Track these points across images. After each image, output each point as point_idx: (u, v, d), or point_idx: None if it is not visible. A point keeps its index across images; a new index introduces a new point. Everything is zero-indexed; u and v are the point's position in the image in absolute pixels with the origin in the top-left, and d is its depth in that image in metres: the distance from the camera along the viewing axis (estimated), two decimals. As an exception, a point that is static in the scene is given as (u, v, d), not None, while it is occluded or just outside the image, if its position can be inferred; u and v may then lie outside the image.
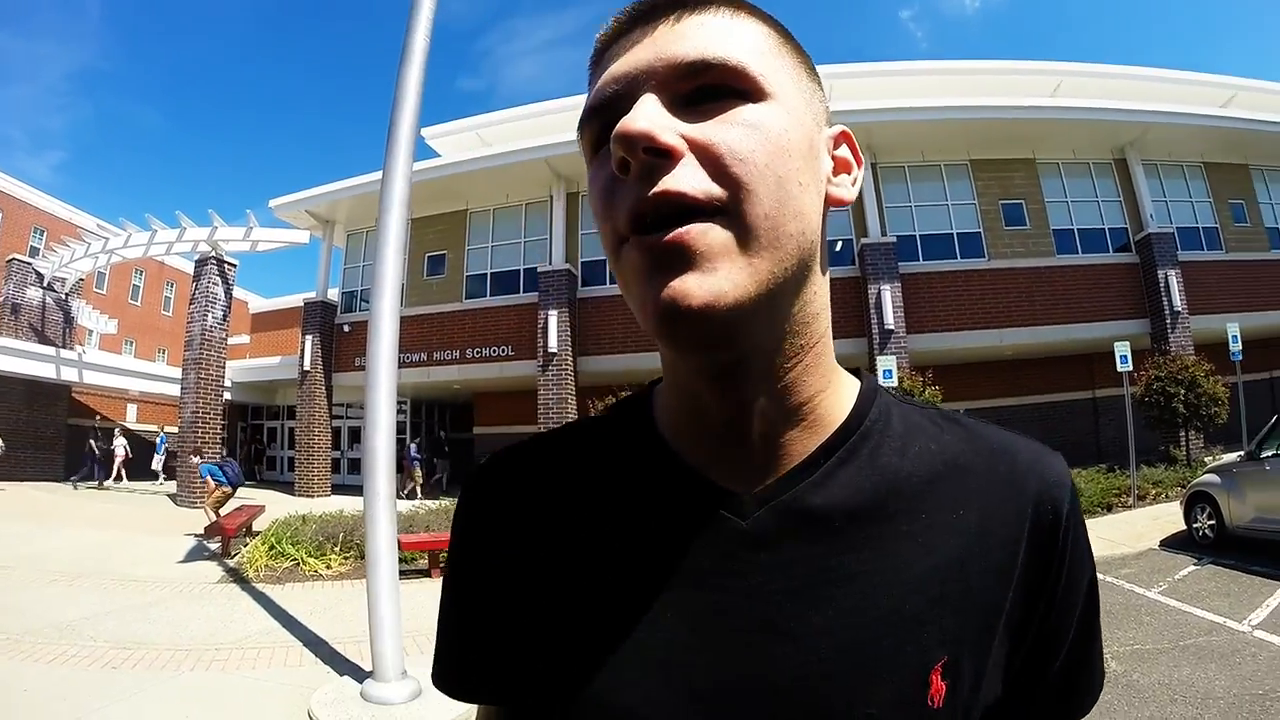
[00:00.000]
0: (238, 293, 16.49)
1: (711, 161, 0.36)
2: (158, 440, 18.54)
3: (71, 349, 17.40)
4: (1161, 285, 13.12)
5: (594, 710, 0.41)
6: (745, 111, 0.38)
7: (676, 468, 0.45)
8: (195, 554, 8.27)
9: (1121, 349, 10.26)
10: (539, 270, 13.26)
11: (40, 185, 31.79)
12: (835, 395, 0.45)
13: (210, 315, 14.09)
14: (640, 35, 0.40)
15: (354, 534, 7.59)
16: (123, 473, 17.04)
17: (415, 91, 4.11)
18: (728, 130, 0.37)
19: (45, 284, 17.59)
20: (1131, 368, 10.30)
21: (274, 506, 10.60)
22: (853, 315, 12.80)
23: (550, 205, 13.84)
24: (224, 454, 14.12)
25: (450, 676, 0.51)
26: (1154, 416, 11.45)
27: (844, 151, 0.46)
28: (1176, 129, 13.73)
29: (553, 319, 12.65)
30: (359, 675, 4.05)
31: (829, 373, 0.45)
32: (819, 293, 0.43)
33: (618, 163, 0.36)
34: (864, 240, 12.81)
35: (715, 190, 0.36)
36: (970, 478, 0.44)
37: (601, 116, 0.40)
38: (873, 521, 0.42)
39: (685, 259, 0.35)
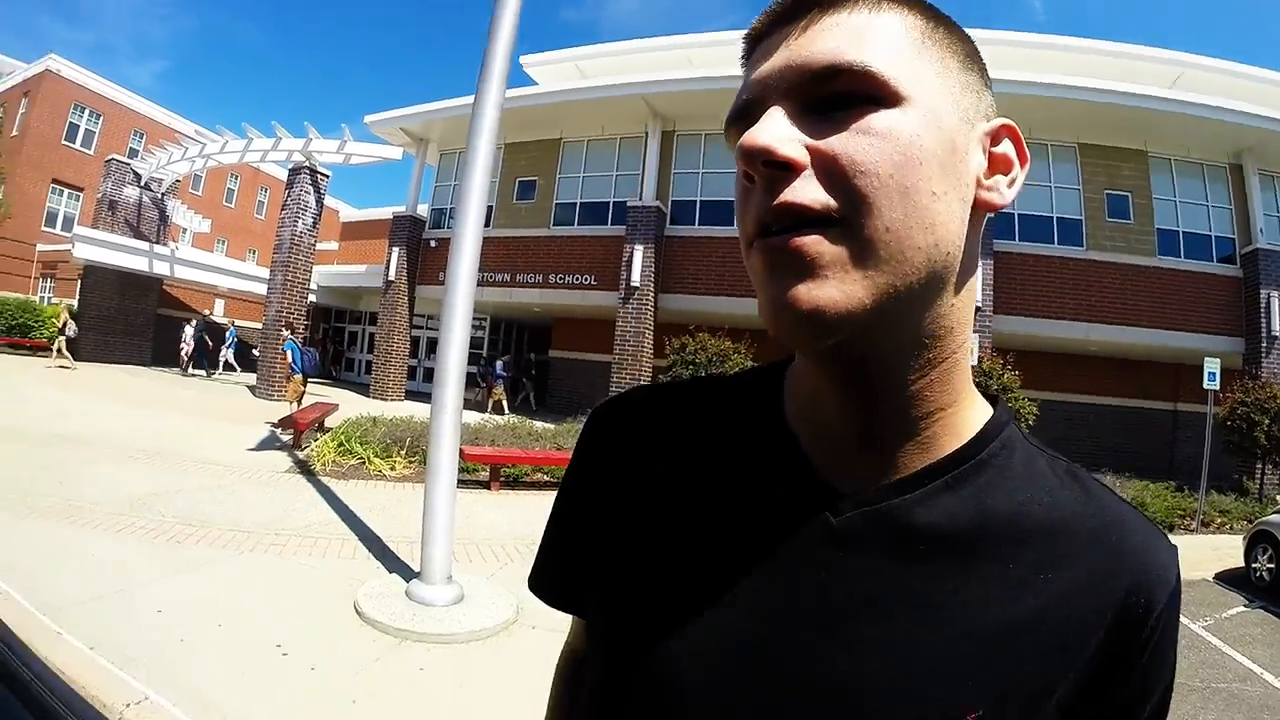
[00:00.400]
0: (329, 202, 17.01)
1: (832, 173, 0.36)
2: (227, 333, 19.23)
3: (165, 245, 18.20)
4: (1263, 305, 12.47)
5: (655, 664, 0.43)
6: (875, 119, 0.37)
7: (791, 451, 0.45)
8: (268, 444, 8.50)
9: (1211, 365, 9.82)
10: (628, 204, 13.26)
11: (141, 91, 33.16)
12: (959, 417, 0.43)
13: (300, 222, 14.56)
14: (779, 38, 0.40)
15: (420, 440, 7.67)
16: (188, 361, 17.82)
17: (512, 18, 4.12)
18: (853, 140, 0.36)
19: (143, 184, 18.38)
20: (1219, 387, 9.85)
21: (347, 406, 10.89)
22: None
23: (645, 141, 13.77)
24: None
25: (546, 582, 0.56)
26: (1233, 442, 10.93)
27: (1005, 148, 0.42)
28: (1302, 140, 12.98)
29: (638, 253, 12.70)
30: (407, 574, 4.11)
31: (957, 393, 0.43)
32: (957, 306, 0.42)
33: (743, 174, 0.38)
34: (960, 212, 12.47)
35: (832, 203, 0.36)
36: (1071, 543, 0.42)
37: (740, 124, 0.40)
38: (959, 556, 0.40)
39: (798, 266, 0.36)
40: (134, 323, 17.85)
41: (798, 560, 0.42)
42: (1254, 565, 6.88)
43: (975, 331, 11.22)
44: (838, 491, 0.42)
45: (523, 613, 3.86)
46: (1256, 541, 6.98)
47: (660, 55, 14.77)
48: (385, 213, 17.83)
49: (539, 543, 0.58)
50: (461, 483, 4.70)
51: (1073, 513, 0.43)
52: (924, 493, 0.41)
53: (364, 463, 7.53)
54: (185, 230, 21.51)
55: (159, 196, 18.82)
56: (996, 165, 0.42)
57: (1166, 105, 12.73)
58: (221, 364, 17.85)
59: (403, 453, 7.79)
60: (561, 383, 16.33)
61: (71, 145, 23.20)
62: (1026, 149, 0.43)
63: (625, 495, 0.49)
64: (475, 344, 18.07)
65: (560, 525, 0.56)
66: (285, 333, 11.22)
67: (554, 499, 0.57)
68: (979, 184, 0.41)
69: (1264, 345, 12.34)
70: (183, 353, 17.63)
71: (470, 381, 18.69)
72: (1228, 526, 9.38)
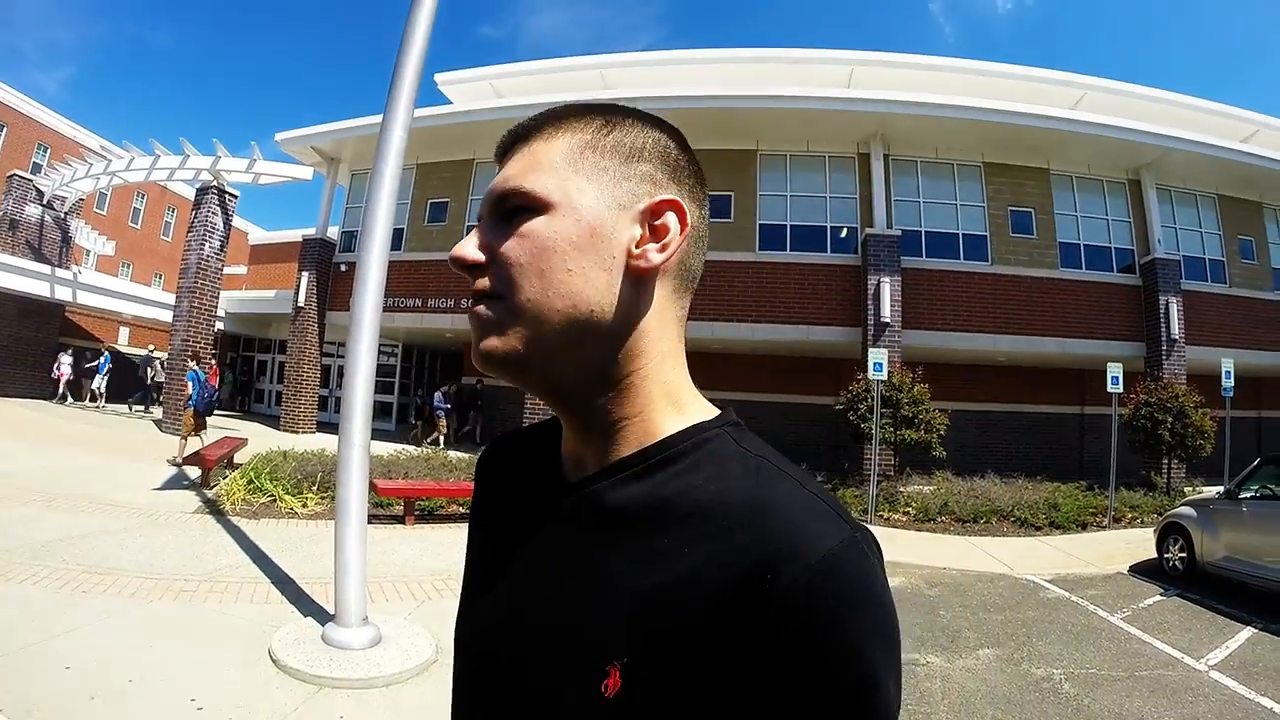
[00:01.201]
0: (238, 223, 16.43)
1: (497, 265, 0.52)
2: (100, 360, 17.18)
3: (68, 268, 17.34)
4: (1161, 311, 13.09)
5: (460, 641, 0.61)
6: (527, 224, 0.51)
7: (555, 460, 0.59)
8: (174, 482, 8.25)
9: (1114, 369, 10.26)
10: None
11: (47, 101, 31.59)
12: (647, 424, 0.53)
13: (208, 244, 14.06)
14: (498, 168, 0.57)
15: (333, 474, 7.39)
16: (67, 393, 16.55)
17: (424, 34, 4.10)
18: (510, 241, 0.52)
19: (45, 201, 17.49)
20: (1122, 389, 10.32)
21: (257, 440, 10.59)
22: (850, 304, 12.77)
23: (558, 162, 13.67)
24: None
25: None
26: (1139, 441, 11.46)
27: (667, 219, 0.53)
28: (1195, 157, 13.66)
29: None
30: (322, 617, 4.05)
31: (642, 406, 0.53)
32: (629, 344, 0.52)
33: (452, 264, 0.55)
34: (869, 230, 12.73)
35: (489, 285, 0.52)
36: (720, 521, 0.46)
37: None
38: (630, 530, 0.49)
39: (477, 326, 0.53)
40: (34, 353, 16.95)
41: (543, 538, 0.55)
42: (1166, 556, 7.19)
43: (883, 346, 11.45)
44: (568, 483, 0.56)
45: (442, 651, 3.81)
46: (1167, 533, 7.29)
47: (576, 75, 14.78)
48: (296, 235, 17.32)
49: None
50: (374, 518, 4.52)
51: (734, 496, 0.47)
52: (613, 480, 0.52)
53: (275, 500, 7.36)
54: (89, 252, 20.54)
55: (62, 216, 17.95)
56: (657, 234, 0.53)
57: (1068, 125, 13.30)
58: (88, 393, 16.53)
59: (314, 488, 7.61)
60: (475, 410, 15.99)
61: (-31, 160, 21.88)
62: (690, 217, 0.53)
63: (480, 520, 0.66)
64: (386, 372, 17.71)
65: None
66: (190, 363, 10.82)
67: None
68: (629, 254, 0.52)
69: (1164, 348, 12.94)
70: (59, 380, 16.52)
71: (404, 414, 18.28)
72: (1138, 521, 9.75)
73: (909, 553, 7.55)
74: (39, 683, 3.07)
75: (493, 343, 0.51)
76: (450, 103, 15.18)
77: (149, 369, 17.34)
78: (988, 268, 13.46)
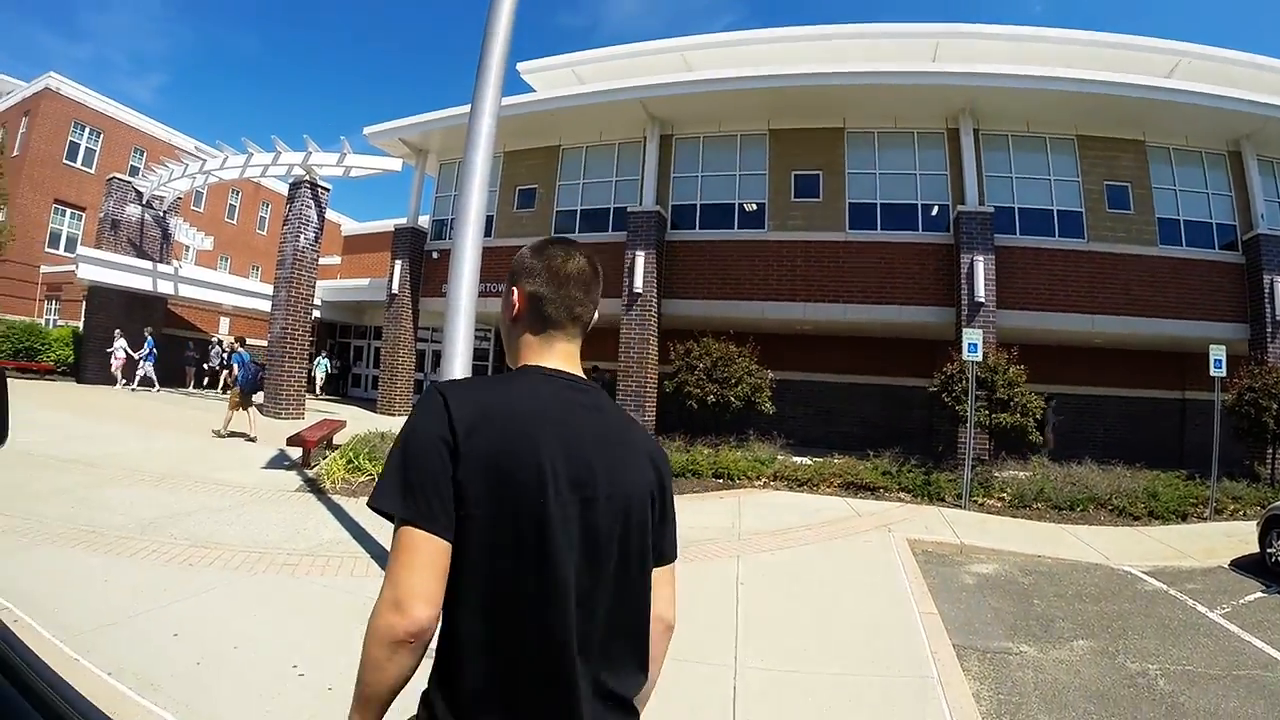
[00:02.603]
0: (331, 215, 17.03)
1: None
2: (145, 343, 16.88)
3: (168, 263, 18.28)
4: (1266, 290, 12.42)
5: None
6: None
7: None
8: (277, 462, 8.51)
9: (1217, 352, 9.75)
10: (629, 210, 13.27)
11: (141, 107, 33.24)
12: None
13: (303, 236, 14.57)
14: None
15: None
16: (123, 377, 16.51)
17: (506, 26, 4.15)
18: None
19: (144, 201, 18.45)
20: (1225, 373, 9.81)
21: (355, 423, 10.88)
22: (943, 283, 12.52)
23: (643, 146, 13.79)
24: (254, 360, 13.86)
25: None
26: (1242, 428, 10.86)
27: (513, 296, 1.19)
28: (1300, 126, 12.92)
29: (640, 259, 12.71)
30: None
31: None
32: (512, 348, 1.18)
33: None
34: (960, 207, 12.45)
35: None
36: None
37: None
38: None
39: None
40: (139, 344, 17.92)
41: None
42: (1269, 550, 6.82)
43: (978, 326, 11.21)
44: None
45: None
46: (1270, 527, 6.91)
47: (657, 59, 14.83)
48: (387, 225, 17.87)
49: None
50: None
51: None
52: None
53: (373, 479, 7.48)
54: (188, 248, 21.58)
55: (161, 214, 18.91)
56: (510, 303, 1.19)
57: (1164, 95, 12.67)
58: (138, 377, 16.47)
59: None
60: None
61: (73, 164, 23.24)
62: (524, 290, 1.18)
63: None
64: (481, 355, 18.17)
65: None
66: (236, 346, 11.41)
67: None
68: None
69: (1269, 330, 12.28)
70: (113, 368, 16.58)
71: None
72: (1241, 513, 9.31)
73: (1004, 540, 7.36)
74: (149, 649, 3.19)
75: None
76: (534, 90, 15.44)
77: (210, 353, 17.63)
78: (1084, 245, 13.01)
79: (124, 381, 16.46)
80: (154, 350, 16.70)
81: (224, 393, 16.60)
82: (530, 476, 0.93)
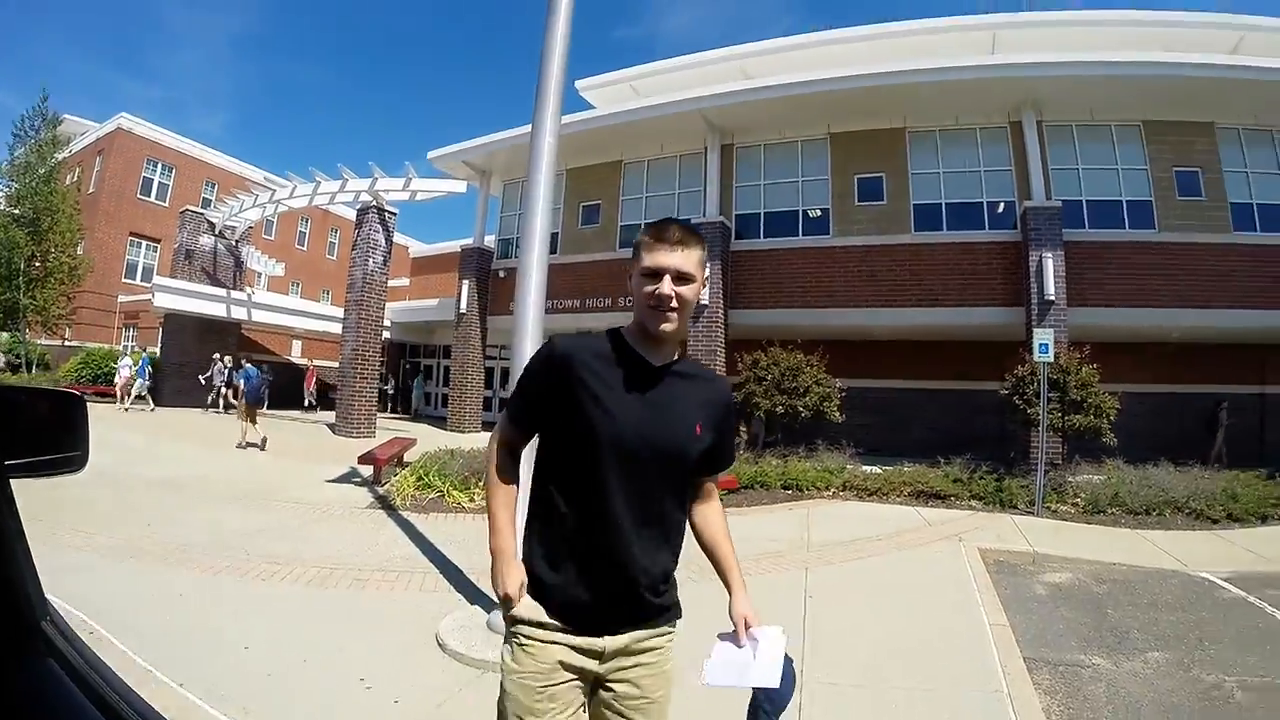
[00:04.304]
0: (398, 238, 17.56)
1: (680, 299, 1.39)
2: (139, 364, 16.89)
3: (242, 290, 19.11)
4: None
5: (605, 424, 1.37)
6: (690, 287, 1.40)
7: (632, 357, 1.42)
8: (347, 480, 8.66)
9: None
10: (692, 222, 13.38)
11: (211, 142, 34.78)
12: (678, 351, 1.49)
13: (371, 260, 15.13)
14: (669, 249, 1.38)
15: None
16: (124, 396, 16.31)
17: (562, 45, 4.24)
18: (685, 291, 1.39)
19: (217, 232, 19.33)
20: None
21: (425, 440, 11.05)
22: (1011, 282, 12.36)
23: (705, 157, 13.92)
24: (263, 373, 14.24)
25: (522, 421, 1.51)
26: None
27: (705, 280, 1.49)
28: (1378, 94, 12.36)
29: (705, 271, 12.84)
30: (489, 606, 4.12)
31: (678, 346, 1.48)
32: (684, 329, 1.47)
33: (652, 294, 1.40)
34: (1027, 203, 12.28)
35: (678, 306, 1.39)
36: (706, 377, 1.56)
37: (650, 271, 1.39)
38: (687, 379, 1.46)
39: (667, 318, 1.39)
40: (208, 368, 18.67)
41: (654, 385, 1.40)
42: None
43: (1048, 325, 11.06)
44: (652, 364, 1.42)
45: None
46: None
47: (714, 69, 14.93)
48: (454, 246, 18.40)
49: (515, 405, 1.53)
50: None
51: (706, 373, 1.58)
52: (677, 364, 1.46)
53: (443, 496, 7.57)
54: (260, 274, 22.50)
55: (233, 243, 19.82)
56: (704, 286, 1.50)
57: (1228, 72, 12.19)
58: (132, 395, 16.34)
59: (481, 485, 7.85)
60: None
61: (146, 199, 24.49)
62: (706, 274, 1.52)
63: (573, 380, 1.39)
64: None
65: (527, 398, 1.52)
66: (244, 362, 11.90)
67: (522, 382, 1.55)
68: (700, 294, 1.48)
69: None
70: (219, 389, 17.17)
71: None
72: None
73: (1077, 547, 7.21)
74: (222, 660, 3.29)
75: (675, 326, 1.39)
76: (593, 107, 15.69)
77: (216, 371, 17.64)
78: (1154, 235, 12.66)
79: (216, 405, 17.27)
80: (149, 368, 16.73)
81: (228, 410, 16.59)
82: None
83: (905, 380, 13.97)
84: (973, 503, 9.38)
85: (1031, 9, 15.67)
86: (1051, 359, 9.75)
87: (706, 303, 12.89)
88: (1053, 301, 11.74)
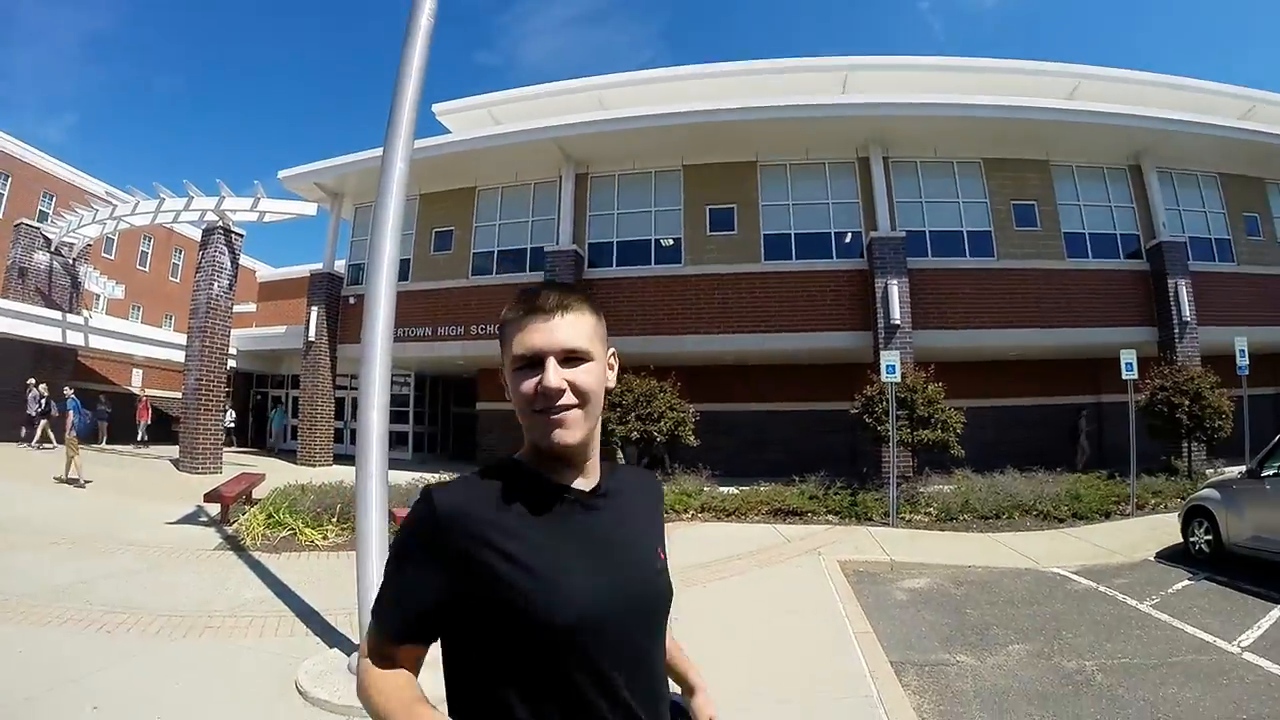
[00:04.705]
0: (245, 261, 16.51)
1: (576, 390, 0.92)
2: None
3: (78, 313, 17.48)
4: (1171, 294, 13.06)
5: (555, 593, 0.89)
6: (587, 369, 0.93)
7: (544, 487, 0.96)
8: (193, 520, 8.25)
9: (1128, 356, 10.16)
10: (546, 250, 13.25)
11: (50, 149, 31.79)
12: (598, 459, 1.02)
13: (216, 284, 14.12)
14: (544, 320, 0.93)
15: (351, 506, 7.39)
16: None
17: (418, 69, 4.14)
18: (582, 376, 0.92)
19: (53, 248, 17.64)
20: (1137, 375, 10.22)
21: (275, 475, 10.59)
22: (859, 308, 12.80)
23: (559, 185, 13.81)
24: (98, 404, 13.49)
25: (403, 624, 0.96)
26: (1157, 426, 11.37)
27: (613, 360, 1.03)
28: (1194, 138, 13.62)
29: (557, 299, 12.60)
30: (348, 648, 4.03)
31: (597, 452, 1.02)
32: (597, 427, 1.00)
33: (534, 388, 0.92)
34: (873, 234, 12.75)
35: (577, 400, 0.92)
36: (647, 482, 1.16)
37: (526, 359, 0.93)
38: (626, 497, 1.03)
39: (566, 424, 0.92)
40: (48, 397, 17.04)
41: (575, 515, 0.95)
42: (1192, 540, 7.11)
43: (895, 348, 11.41)
44: (576, 489, 0.97)
45: None
46: (1192, 517, 7.22)
47: (573, 98, 14.88)
48: (303, 271, 17.45)
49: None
50: None
51: (636, 473, 1.16)
52: (605, 485, 1.00)
53: (295, 534, 7.37)
54: (99, 297, 20.68)
55: (70, 262, 18.10)
56: (611, 367, 1.02)
57: (1065, 115, 13.31)
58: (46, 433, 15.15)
59: (334, 520, 7.61)
60: (490, 435, 16.05)
61: (-26, 209, 22.03)
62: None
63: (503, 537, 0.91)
64: (400, 401, 17.77)
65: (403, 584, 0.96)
66: (67, 391, 11.08)
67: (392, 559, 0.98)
68: (607, 380, 1.00)
69: (1176, 331, 12.92)
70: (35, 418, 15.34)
71: (420, 443, 18.15)
72: (1161, 506, 9.68)
73: (933, 554, 7.50)
74: None
75: (579, 434, 0.94)
76: (449, 132, 15.30)
77: (31, 399, 15.87)
78: (994, 263, 13.45)
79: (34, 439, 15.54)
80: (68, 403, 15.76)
81: (40, 443, 15.12)
82: None
83: (759, 403, 14.15)
84: (829, 517, 9.55)
85: (883, 51, 16.48)
86: (899, 379, 10.16)
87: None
88: (899, 325, 12.16)
